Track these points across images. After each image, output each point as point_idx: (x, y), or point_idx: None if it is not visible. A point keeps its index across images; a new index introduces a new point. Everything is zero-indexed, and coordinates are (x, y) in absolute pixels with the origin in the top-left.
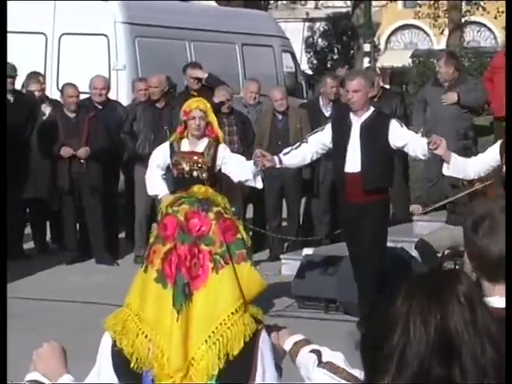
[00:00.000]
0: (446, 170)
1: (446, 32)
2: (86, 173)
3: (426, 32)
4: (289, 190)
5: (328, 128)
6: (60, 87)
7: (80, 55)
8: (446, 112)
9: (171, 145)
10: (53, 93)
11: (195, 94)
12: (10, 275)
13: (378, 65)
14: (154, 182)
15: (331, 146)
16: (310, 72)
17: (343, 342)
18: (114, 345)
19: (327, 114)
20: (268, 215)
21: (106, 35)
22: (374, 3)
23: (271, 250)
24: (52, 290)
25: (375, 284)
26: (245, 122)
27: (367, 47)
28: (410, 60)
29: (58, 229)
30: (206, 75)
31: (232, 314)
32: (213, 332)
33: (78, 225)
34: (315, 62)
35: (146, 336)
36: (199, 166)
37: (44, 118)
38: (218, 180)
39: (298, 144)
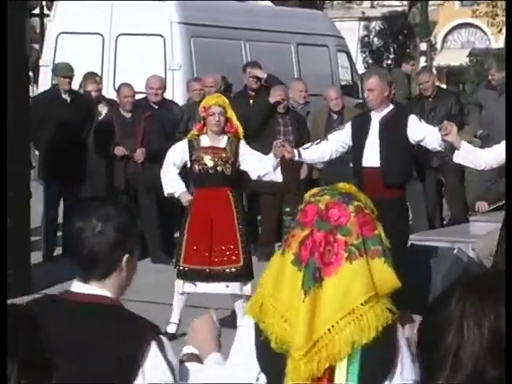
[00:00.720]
0: (457, 157)
1: (504, 31)
2: (142, 173)
3: (483, 31)
4: None
5: (348, 126)
6: (116, 87)
7: (136, 55)
8: (500, 115)
9: (190, 142)
10: (109, 93)
11: (253, 93)
12: (66, 274)
13: (435, 64)
14: (172, 180)
15: (351, 144)
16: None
17: None
18: (257, 335)
19: None
20: None
21: (162, 35)
22: (430, 2)
23: None
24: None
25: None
26: (300, 122)
27: (423, 46)
28: (467, 59)
29: None
30: (265, 75)
31: (362, 304)
32: (340, 319)
33: None
34: (371, 61)
35: (282, 316)
36: (223, 161)
37: (100, 118)
38: (238, 176)
39: (318, 140)
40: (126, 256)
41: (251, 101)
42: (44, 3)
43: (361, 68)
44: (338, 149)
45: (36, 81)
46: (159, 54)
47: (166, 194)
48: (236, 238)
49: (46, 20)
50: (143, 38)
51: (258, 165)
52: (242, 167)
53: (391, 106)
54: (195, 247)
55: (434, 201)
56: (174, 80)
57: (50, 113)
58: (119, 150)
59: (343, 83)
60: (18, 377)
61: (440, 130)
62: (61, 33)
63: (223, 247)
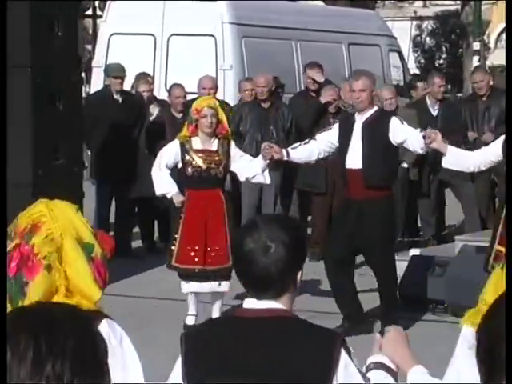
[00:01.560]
0: (445, 162)
1: None
2: None
3: None
4: (395, 190)
5: (336, 127)
6: (168, 88)
7: (188, 56)
8: None
9: (182, 143)
10: (161, 93)
11: (313, 94)
12: (118, 274)
13: (488, 63)
14: (164, 181)
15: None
16: (417, 71)
17: (453, 343)
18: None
19: (435, 113)
20: None
21: (213, 36)
22: (483, 1)
23: None
24: (158, 289)
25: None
26: None
27: (477, 46)
28: None
29: (166, 228)
30: (323, 80)
31: None
32: None
33: None
34: (423, 61)
35: None
36: (216, 164)
37: (152, 118)
38: (226, 178)
39: (306, 140)
40: (299, 272)
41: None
42: (97, 4)
43: (413, 68)
44: (325, 148)
45: (88, 81)
46: (210, 55)
47: (157, 194)
48: (226, 238)
49: (98, 21)
50: (195, 39)
51: (247, 167)
52: (231, 168)
53: (375, 108)
54: (189, 247)
55: (487, 201)
56: (226, 80)
57: (102, 113)
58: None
59: (395, 83)
60: (70, 376)
61: (424, 137)
62: (113, 34)
63: (217, 247)
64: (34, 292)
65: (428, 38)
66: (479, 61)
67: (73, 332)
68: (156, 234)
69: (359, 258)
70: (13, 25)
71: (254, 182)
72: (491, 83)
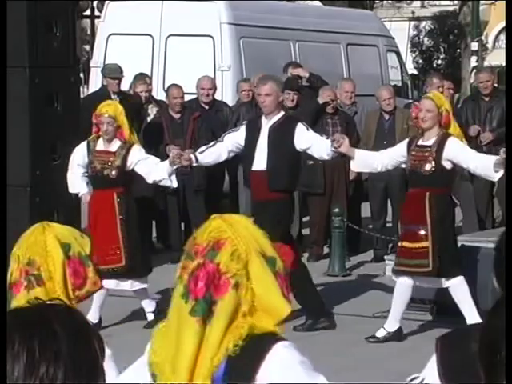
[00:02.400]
0: (353, 166)
1: None
2: (191, 174)
3: None
4: (393, 191)
5: (243, 129)
6: (166, 88)
7: (186, 56)
8: None
9: (88, 144)
10: (159, 94)
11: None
12: None
13: (486, 63)
14: (74, 181)
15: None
16: (415, 72)
17: None
18: None
19: None
20: (372, 216)
21: (211, 36)
22: (481, 1)
23: (375, 250)
24: (157, 289)
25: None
26: (349, 123)
27: (475, 46)
28: None
29: (164, 228)
30: (308, 74)
31: None
32: None
33: (183, 225)
34: (421, 61)
35: None
36: (110, 164)
37: (150, 118)
38: (130, 180)
39: (213, 143)
40: None
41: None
42: (95, 5)
43: (411, 68)
44: (233, 149)
45: (87, 82)
46: (209, 55)
47: (70, 192)
48: (118, 238)
49: (96, 21)
50: (193, 39)
51: (154, 170)
52: (137, 171)
53: (282, 113)
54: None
55: (485, 201)
56: (224, 81)
57: None
58: (171, 150)
59: (393, 83)
60: (64, 378)
61: (332, 141)
62: (111, 34)
63: (106, 247)
64: (223, 311)
65: (426, 39)
66: (477, 61)
67: (67, 334)
68: (154, 235)
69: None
70: (11, 25)
71: (162, 185)
72: (495, 84)
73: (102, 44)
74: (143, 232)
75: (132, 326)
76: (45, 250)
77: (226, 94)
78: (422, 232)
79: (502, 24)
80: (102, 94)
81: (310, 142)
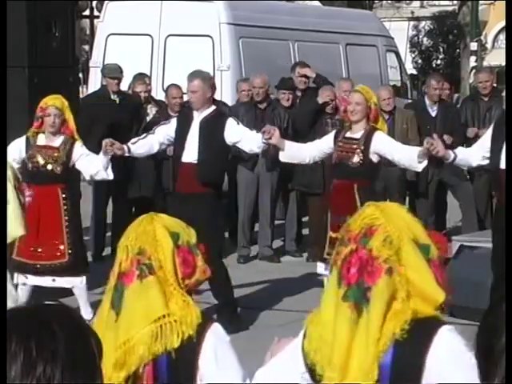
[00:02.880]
0: (281, 156)
1: None
2: None
3: None
4: (392, 191)
5: (174, 121)
6: (165, 88)
7: (185, 56)
8: None
9: (27, 139)
10: (158, 94)
11: (300, 94)
12: None
13: (485, 63)
14: None
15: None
16: (414, 72)
17: None
18: None
19: (433, 114)
20: None
21: (210, 36)
22: (481, 1)
23: None
24: None
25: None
26: None
27: (474, 46)
28: None
29: None
30: (314, 75)
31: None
32: None
33: None
34: (420, 61)
35: None
36: (54, 159)
37: (149, 118)
38: (72, 175)
39: (144, 135)
40: None
41: (298, 101)
42: (94, 5)
43: (410, 68)
44: (164, 142)
45: (86, 82)
46: (208, 55)
47: None
48: (62, 234)
49: (95, 21)
50: (192, 39)
51: (90, 164)
52: (76, 166)
53: (213, 107)
54: (25, 242)
55: (485, 201)
56: (223, 81)
57: (99, 113)
58: (171, 150)
59: (392, 83)
60: (61, 378)
61: (263, 133)
62: (110, 34)
63: (49, 243)
64: (378, 296)
65: (425, 39)
66: (476, 61)
67: (65, 335)
68: None
69: None
70: (10, 25)
71: (97, 178)
72: (494, 84)
73: (101, 44)
74: None
75: None
76: (154, 240)
77: (225, 94)
78: None
79: (501, 24)
80: (102, 94)
81: (240, 135)
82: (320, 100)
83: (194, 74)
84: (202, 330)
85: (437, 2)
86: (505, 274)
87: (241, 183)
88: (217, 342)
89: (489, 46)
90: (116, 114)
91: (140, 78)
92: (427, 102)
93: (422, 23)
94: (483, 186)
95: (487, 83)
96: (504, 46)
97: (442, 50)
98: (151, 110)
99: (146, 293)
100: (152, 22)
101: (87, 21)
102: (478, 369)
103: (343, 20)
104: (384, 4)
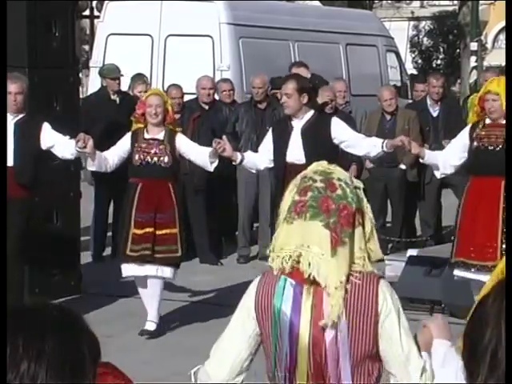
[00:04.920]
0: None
1: None
2: (190, 174)
3: None
4: (393, 191)
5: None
6: (165, 88)
7: (185, 56)
8: None
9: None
10: None
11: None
12: (117, 274)
13: (485, 64)
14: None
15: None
16: (414, 72)
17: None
18: None
19: (435, 113)
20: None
21: (210, 36)
22: (481, 1)
23: None
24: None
25: None
26: (349, 122)
27: (474, 46)
28: None
29: None
30: (310, 75)
31: None
32: None
33: None
34: (420, 61)
35: None
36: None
37: None
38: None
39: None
40: None
41: None
42: (94, 5)
43: (410, 68)
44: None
45: (86, 82)
46: (208, 55)
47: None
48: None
49: (95, 21)
50: (192, 39)
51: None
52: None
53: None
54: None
55: None
56: None
57: (100, 113)
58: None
59: (392, 83)
60: (45, 378)
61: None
62: (110, 34)
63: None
64: None
65: (425, 39)
66: (476, 61)
67: (55, 334)
68: None
69: None
70: (10, 25)
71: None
72: None
73: (101, 44)
74: None
75: (132, 325)
76: None
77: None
78: None
79: (502, 24)
80: (102, 94)
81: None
82: (320, 100)
83: (13, 76)
84: None
85: (437, 2)
86: (505, 274)
87: (241, 183)
88: None
89: (489, 45)
90: (116, 114)
91: (139, 78)
92: (429, 101)
93: (422, 23)
94: None
95: None
96: (504, 45)
97: (442, 49)
98: None
99: None
100: (152, 22)
101: (87, 21)
102: (464, 368)
103: (343, 20)
104: (384, 4)
